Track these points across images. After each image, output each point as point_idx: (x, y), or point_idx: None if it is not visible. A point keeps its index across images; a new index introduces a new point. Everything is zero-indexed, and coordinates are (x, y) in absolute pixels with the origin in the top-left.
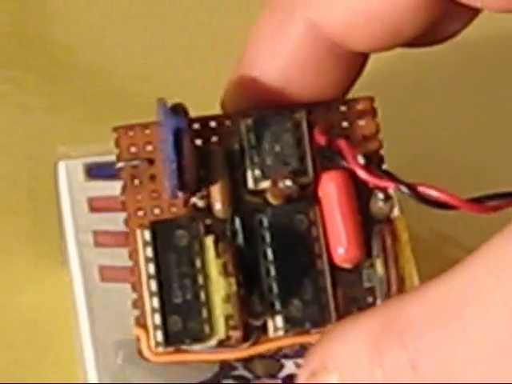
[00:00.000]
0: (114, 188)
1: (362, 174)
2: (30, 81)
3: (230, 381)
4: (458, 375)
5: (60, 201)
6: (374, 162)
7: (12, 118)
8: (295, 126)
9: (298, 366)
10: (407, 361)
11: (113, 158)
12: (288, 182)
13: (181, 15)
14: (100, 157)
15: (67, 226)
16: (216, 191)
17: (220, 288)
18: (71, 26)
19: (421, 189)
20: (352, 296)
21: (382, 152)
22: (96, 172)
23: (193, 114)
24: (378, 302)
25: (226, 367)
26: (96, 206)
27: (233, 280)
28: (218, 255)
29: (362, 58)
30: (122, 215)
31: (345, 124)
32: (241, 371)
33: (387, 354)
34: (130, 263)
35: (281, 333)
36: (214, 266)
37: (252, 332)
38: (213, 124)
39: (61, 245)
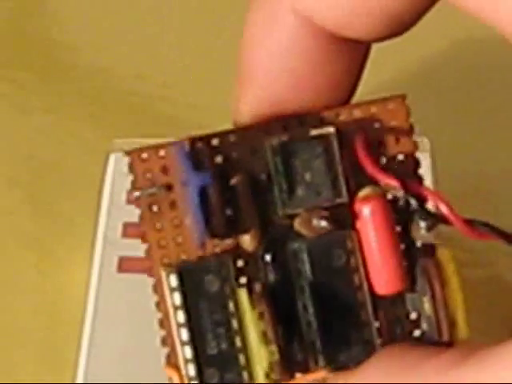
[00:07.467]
0: None
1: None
2: (30, 81)
3: None
4: None
5: (102, 190)
6: (409, 165)
7: (12, 118)
8: (325, 147)
9: None
10: None
11: None
12: (323, 223)
13: (181, 15)
14: None
15: (101, 216)
16: (245, 236)
17: (262, 359)
18: (71, 26)
19: (427, 194)
20: (396, 326)
21: (417, 154)
22: None
23: (195, 114)
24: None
25: None
26: (133, 198)
27: (275, 348)
28: (253, 307)
29: (363, 46)
30: None
31: (376, 125)
32: None
33: None
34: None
35: (322, 370)
36: (253, 336)
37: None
38: (232, 138)
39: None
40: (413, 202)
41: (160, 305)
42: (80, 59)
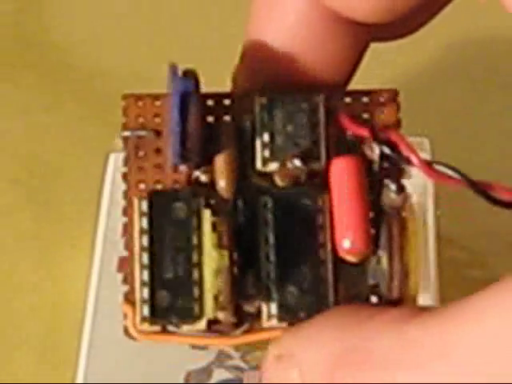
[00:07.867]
0: None
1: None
2: (30, 81)
3: (222, 370)
4: None
5: (102, 190)
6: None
7: (12, 117)
8: (311, 108)
9: None
10: None
11: None
12: (297, 162)
13: (181, 15)
14: None
15: (101, 216)
16: (221, 167)
17: (212, 261)
18: (71, 26)
19: (396, 140)
20: (355, 293)
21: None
22: None
23: None
24: (374, 299)
25: (222, 356)
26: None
27: (226, 252)
28: (214, 228)
29: (366, 30)
30: None
31: (365, 115)
32: (237, 362)
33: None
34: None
35: (274, 320)
36: (208, 238)
37: (245, 319)
38: (227, 102)
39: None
40: (385, 148)
41: (128, 246)
42: (80, 59)
